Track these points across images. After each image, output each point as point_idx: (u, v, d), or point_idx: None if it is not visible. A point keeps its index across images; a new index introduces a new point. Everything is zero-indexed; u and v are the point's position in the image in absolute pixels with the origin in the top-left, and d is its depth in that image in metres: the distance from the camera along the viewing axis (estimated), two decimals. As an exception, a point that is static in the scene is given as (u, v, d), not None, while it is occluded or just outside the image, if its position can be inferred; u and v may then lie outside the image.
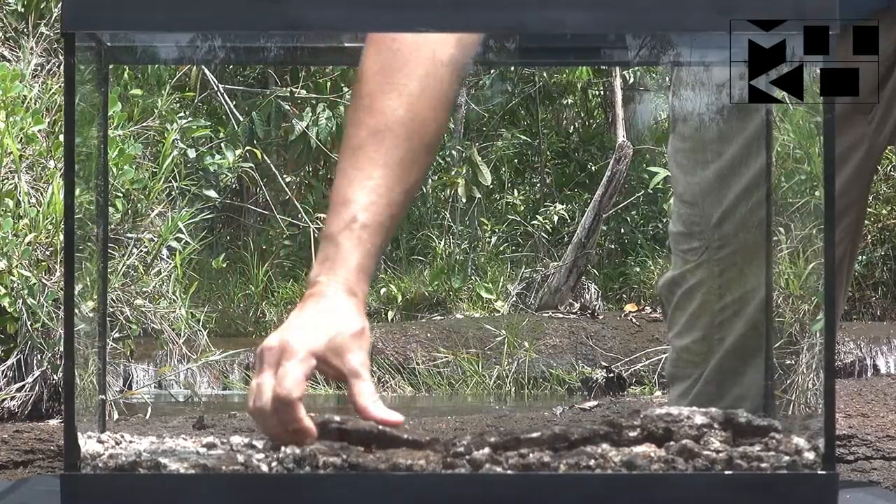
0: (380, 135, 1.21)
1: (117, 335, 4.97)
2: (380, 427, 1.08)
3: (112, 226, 5.04)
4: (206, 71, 7.40)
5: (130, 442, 1.13)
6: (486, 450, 1.05)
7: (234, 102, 7.97)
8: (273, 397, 1.09)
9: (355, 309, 1.16)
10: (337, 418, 1.08)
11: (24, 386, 4.78)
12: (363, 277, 1.18)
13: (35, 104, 5.02)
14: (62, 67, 4.76)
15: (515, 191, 10.79)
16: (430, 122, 1.24)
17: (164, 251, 5.37)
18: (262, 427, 1.11)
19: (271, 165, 8.04)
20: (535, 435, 1.05)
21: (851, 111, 1.59)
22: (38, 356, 4.77)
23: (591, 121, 11.72)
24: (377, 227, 1.19)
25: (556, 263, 8.33)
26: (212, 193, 6.59)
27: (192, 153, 6.31)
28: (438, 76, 1.24)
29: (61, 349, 3.84)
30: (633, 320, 7.54)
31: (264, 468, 1.04)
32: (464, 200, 9.46)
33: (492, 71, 10.17)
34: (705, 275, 1.67)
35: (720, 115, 1.60)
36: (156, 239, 5.29)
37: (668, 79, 1.72)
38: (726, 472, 1.03)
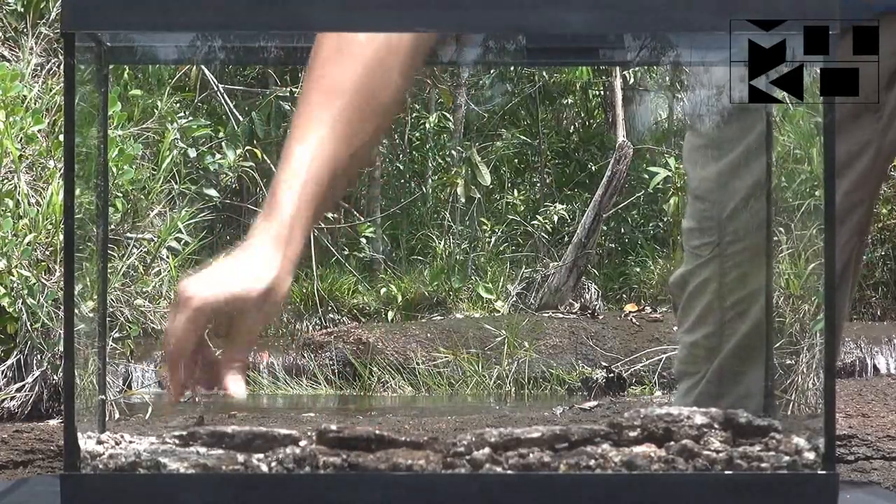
0: (331, 96, 1.26)
1: (117, 335, 4.97)
2: (377, 432, 1.08)
3: (112, 226, 5.03)
4: (206, 71, 7.40)
5: (130, 442, 1.12)
6: (486, 450, 1.04)
7: (234, 102, 7.97)
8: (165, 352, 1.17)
9: (276, 263, 1.20)
10: (334, 427, 1.08)
11: (23, 386, 4.78)
12: (297, 229, 1.22)
13: (35, 104, 5.01)
14: (62, 67, 4.75)
15: (515, 191, 10.79)
16: (385, 87, 1.28)
17: (164, 251, 5.36)
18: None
19: (271, 165, 8.03)
20: (535, 435, 1.05)
21: (862, 110, 1.59)
22: (38, 356, 4.77)
23: (591, 121, 11.73)
24: (316, 180, 1.22)
25: (556, 263, 8.32)
26: (212, 192, 6.59)
27: (192, 153, 6.31)
28: (395, 46, 1.28)
29: (61, 349, 3.84)
30: (633, 320, 7.53)
31: (264, 468, 1.04)
32: (463, 200, 9.45)
33: (492, 71, 10.17)
34: (717, 270, 1.68)
35: (737, 111, 1.60)
36: (155, 239, 5.28)
37: (685, 76, 1.73)
38: (726, 472, 1.03)
